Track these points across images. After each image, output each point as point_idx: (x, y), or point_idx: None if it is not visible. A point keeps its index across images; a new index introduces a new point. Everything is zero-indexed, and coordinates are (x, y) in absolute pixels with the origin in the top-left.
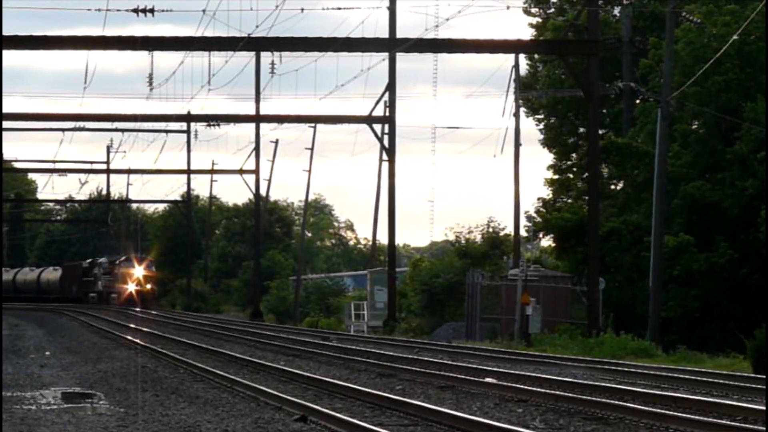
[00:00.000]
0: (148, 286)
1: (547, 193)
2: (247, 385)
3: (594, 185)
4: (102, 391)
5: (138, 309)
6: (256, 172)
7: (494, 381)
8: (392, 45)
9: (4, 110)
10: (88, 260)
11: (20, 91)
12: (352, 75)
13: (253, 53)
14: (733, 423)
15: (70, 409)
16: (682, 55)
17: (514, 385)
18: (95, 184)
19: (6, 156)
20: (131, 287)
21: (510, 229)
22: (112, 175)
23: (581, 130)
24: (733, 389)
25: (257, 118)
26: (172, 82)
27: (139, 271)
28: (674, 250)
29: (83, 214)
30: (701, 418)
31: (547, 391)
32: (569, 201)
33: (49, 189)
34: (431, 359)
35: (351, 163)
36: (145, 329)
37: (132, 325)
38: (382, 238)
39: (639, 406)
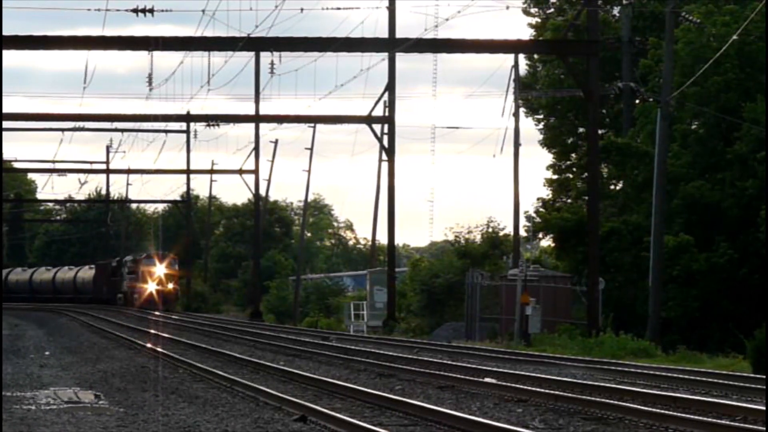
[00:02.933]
0: (170, 286)
1: (546, 193)
2: (246, 385)
3: (594, 185)
4: (102, 391)
5: (157, 312)
6: (256, 172)
7: (494, 381)
8: (392, 45)
9: (4, 110)
10: (117, 258)
11: (20, 91)
12: (351, 75)
13: (252, 53)
14: (732, 423)
15: (69, 409)
16: (681, 55)
17: (513, 385)
18: (95, 184)
19: (6, 156)
20: (151, 287)
21: (509, 229)
22: (111, 175)
23: (581, 130)
24: (733, 389)
25: (257, 118)
26: (171, 82)
27: (160, 269)
28: (674, 250)
29: (83, 214)
30: (701, 418)
31: (547, 391)
32: (569, 201)
33: (49, 189)
34: (431, 359)
35: (350, 163)
36: (144, 329)
37: (132, 326)
38: (382, 238)
39: (639, 406)
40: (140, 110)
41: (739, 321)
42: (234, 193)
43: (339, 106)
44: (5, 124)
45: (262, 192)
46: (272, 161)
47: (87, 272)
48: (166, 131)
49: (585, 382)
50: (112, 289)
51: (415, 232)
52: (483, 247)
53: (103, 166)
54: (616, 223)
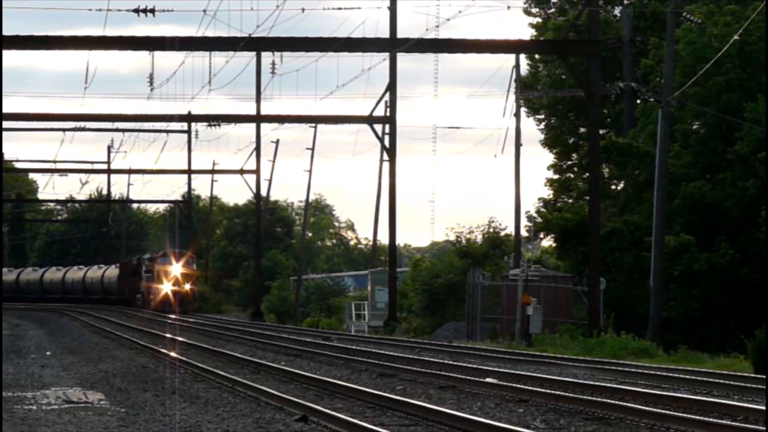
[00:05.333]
0: (187, 287)
1: (547, 193)
2: (248, 385)
3: (595, 185)
4: (103, 391)
5: (173, 315)
6: (257, 172)
7: (495, 381)
8: (393, 45)
9: (5, 110)
10: (137, 256)
11: (21, 91)
12: (352, 75)
13: (253, 53)
14: (733, 423)
15: (70, 409)
16: (682, 55)
17: (514, 385)
18: (96, 184)
19: (7, 156)
20: (167, 287)
21: (511, 229)
22: (112, 175)
23: (582, 130)
24: (734, 389)
25: (258, 118)
26: (172, 82)
27: (176, 268)
28: (675, 250)
29: (84, 215)
30: (702, 418)
31: (548, 391)
32: (570, 201)
33: (50, 189)
34: (432, 359)
35: (352, 163)
36: (146, 330)
37: (133, 326)
38: (383, 238)
39: (640, 406)
40: (141, 110)
41: (739, 321)
42: (235, 193)
43: (340, 106)
44: (6, 124)
45: (264, 192)
46: (273, 161)
47: (113, 271)
48: (167, 131)
49: (586, 382)
50: (133, 289)
51: (417, 232)
52: (484, 247)
53: (104, 166)
54: (617, 223)
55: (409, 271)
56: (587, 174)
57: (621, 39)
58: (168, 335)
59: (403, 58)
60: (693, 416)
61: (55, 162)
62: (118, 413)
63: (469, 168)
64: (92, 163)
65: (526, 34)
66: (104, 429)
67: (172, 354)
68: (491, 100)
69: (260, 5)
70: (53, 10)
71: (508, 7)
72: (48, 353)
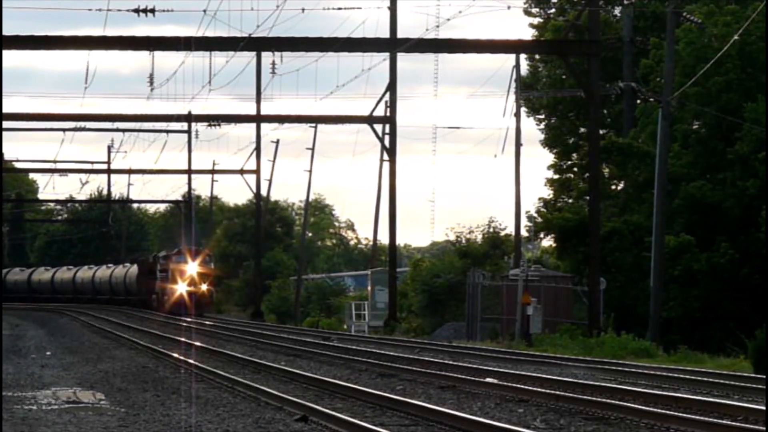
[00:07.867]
0: (204, 287)
1: (547, 193)
2: (248, 385)
3: (595, 185)
4: (103, 391)
5: (189, 319)
6: (257, 172)
7: (495, 381)
8: (393, 45)
9: (5, 110)
10: (153, 254)
11: (22, 91)
12: (353, 75)
13: (254, 53)
14: (733, 423)
15: (70, 409)
16: (682, 55)
17: (514, 385)
18: (96, 184)
19: (7, 156)
20: (182, 288)
21: (511, 229)
22: (112, 175)
23: (582, 130)
24: (734, 389)
25: (258, 118)
26: (173, 82)
27: (192, 267)
28: (675, 250)
29: (84, 215)
30: (702, 418)
31: (548, 391)
32: (570, 201)
33: (50, 189)
34: (432, 359)
35: (352, 163)
36: (146, 330)
37: (134, 326)
38: (383, 238)
39: (640, 406)
40: (141, 110)
41: (739, 321)
42: (235, 193)
43: (340, 106)
44: (6, 124)
45: (264, 192)
46: (273, 161)
47: (135, 270)
48: (168, 131)
49: (586, 382)
50: (148, 290)
51: (417, 232)
52: (484, 247)
53: (105, 166)
54: (617, 223)
55: (409, 271)
56: (587, 174)
57: (621, 39)
58: (168, 335)
59: (403, 58)
60: (693, 416)
61: (55, 162)
62: (118, 413)
63: (469, 168)
64: (92, 163)
65: (527, 34)
66: (104, 429)
67: (173, 354)
68: (491, 100)
69: (260, 5)
70: (53, 10)
71: (508, 7)
72: (48, 353)
